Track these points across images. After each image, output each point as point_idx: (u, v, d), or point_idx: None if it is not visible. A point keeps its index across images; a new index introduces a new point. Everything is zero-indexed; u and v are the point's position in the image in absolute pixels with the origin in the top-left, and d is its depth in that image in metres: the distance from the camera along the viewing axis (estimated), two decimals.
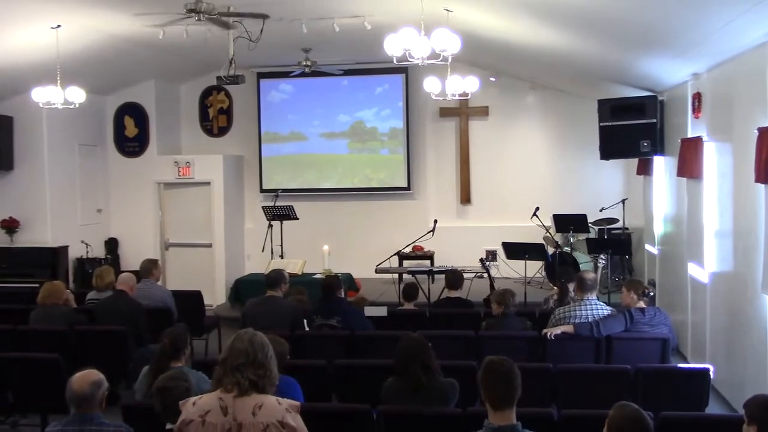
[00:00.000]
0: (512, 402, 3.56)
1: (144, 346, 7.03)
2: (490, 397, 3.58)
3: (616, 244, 10.65)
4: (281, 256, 11.17)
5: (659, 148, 9.55)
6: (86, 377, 3.98)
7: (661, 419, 4.43)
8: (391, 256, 10.83)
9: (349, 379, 5.77)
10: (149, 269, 8.28)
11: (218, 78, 9.54)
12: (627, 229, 11.57)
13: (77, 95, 9.24)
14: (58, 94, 9.11)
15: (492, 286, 9.08)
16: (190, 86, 13.54)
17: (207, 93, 13.51)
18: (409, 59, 6.97)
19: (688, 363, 7.99)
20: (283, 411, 3.05)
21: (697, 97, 7.93)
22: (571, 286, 7.28)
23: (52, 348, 6.44)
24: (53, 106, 9.27)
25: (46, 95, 9.11)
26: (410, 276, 10.18)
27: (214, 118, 13.53)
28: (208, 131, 13.56)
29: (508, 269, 11.14)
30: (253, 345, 3.10)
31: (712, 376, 5.75)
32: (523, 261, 10.29)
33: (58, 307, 7.32)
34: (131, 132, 12.78)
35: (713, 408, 6.27)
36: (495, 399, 3.57)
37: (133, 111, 12.74)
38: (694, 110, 8.06)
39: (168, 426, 3.82)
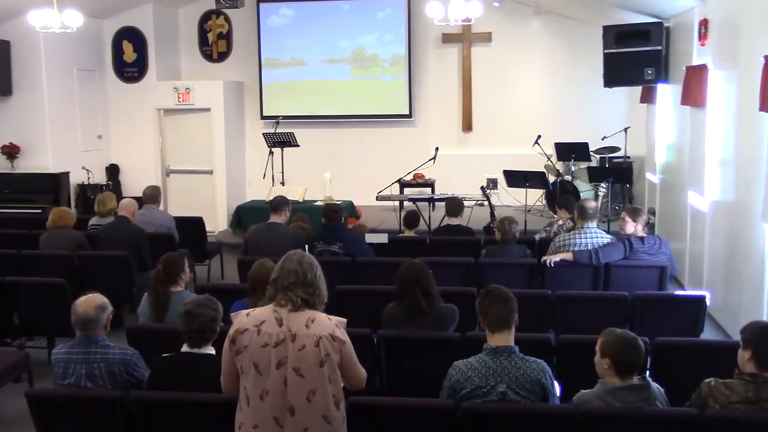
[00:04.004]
0: (509, 324, 3.65)
1: (147, 271, 7.10)
2: (488, 320, 3.68)
3: (617, 172, 10.63)
4: (282, 183, 11.17)
5: (664, 76, 9.44)
6: (91, 301, 4.04)
7: (657, 344, 4.51)
8: (392, 183, 10.84)
9: (350, 304, 5.83)
10: (154, 196, 8.33)
11: (217, 1, 9.41)
12: (628, 157, 11.54)
13: (74, 18, 9.11)
14: (55, 17, 8.98)
15: (492, 214, 9.12)
16: (189, 10, 13.31)
17: (206, 17, 13.29)
18: None
19: (685, 290, 8.08)
20: (333, 326, 3.19)
21: (704, 24, 7.81)
22: None
23: (57, 272, 6.51)
24: (50, 30, 9.14)
25: (43, 18, 8.98)
26: (411, 203, 10.21)
27: (214, 43, 13.35)
28: (208, 56, 13.40)
29: (509, 197, 11.16)
30: (302, 265, 3.21)
31: (708, 303, 5.82)
32: (524, 189, 10.31)
33: (68, 230, 7.44)
34: (130, 57, 12.62)
35: (708, 334, 6.37)
36: (493, 321, 3.66)
37: (131, 35, 12.54)
38: (700, 37, 7.95)
39: (185, 348, 3.89)
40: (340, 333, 3.19)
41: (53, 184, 11.08)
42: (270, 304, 3.21)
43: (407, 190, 11.29)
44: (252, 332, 3.14)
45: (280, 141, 11.27)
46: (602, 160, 11.52)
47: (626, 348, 3.49)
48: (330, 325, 3.19)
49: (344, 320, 3.26)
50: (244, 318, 3.20)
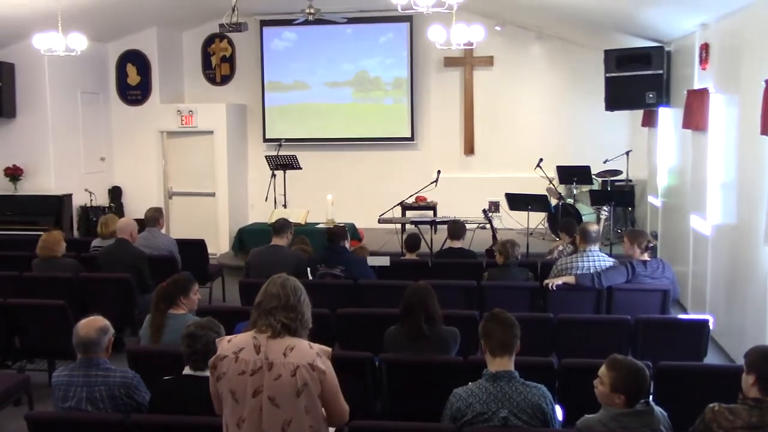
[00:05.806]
0: (511, 350, 3.64)
1: (148, 293, 7.07)
2: (489, 344, 3.66)
3: (619, 195, 10.63)
4: (284, 206, 11.18)
5: (665, 100, 9.47)
6: (92, 323, 4.02)
7: (660, 369, 4.48)
8: (394, 206, 10.85)
9: (352, 327, 5.82)
10: (155, 218, 8.30)
11: (221, 25, 9.48)
12: (630, 181, 11.55)
13: (79, 42, 9.17)
14: (60, 40, 9.03)
15: (494, 237, 9.11)
16: (193, 34, 13.41)
17: (209, 41, 13.39)
18: (414, 7, 6.89)
19: (688, 314, 8.05)
20: (314, 355, 3.12)
21: (705, 48, 7.84)
22: None
23: (58, 295, 6.49)
24: (55, 53, 9.19)
25: (48, 42, 9.04)
26: (413, 226, 10.21)
27: (217, 66, 13.43)
28: (211, 80, 13.47)
29: (511, 220, 11.15)
30: (285, 289, 3.16)
31: (711, 327, 5.79)
32: (526, 212, 10.30)
33: (58, 260, 7.28)
34: (133, 80, 12.69)
35: (712, 358, 6.34)
36: (496, 344, 3.64)
37: (135, 58, 12.63)
38: (701, 61, 7.98)
39: (186, 370, 3.88)
40: (320, 362, 3.11)
41: (56, 206, 11.08)
42: (253, 329, 3.17)
43: (409, 213, 11.30)
44: (230, 359, 3.12)
45: (283, 164, 11.30)
46: (604, 183, 11.52)
47: (638, 379, 3.46)
48: (311, 353, 3.11)
49: (328, 349, 3.19)
50: (225, 344, 3.18)
